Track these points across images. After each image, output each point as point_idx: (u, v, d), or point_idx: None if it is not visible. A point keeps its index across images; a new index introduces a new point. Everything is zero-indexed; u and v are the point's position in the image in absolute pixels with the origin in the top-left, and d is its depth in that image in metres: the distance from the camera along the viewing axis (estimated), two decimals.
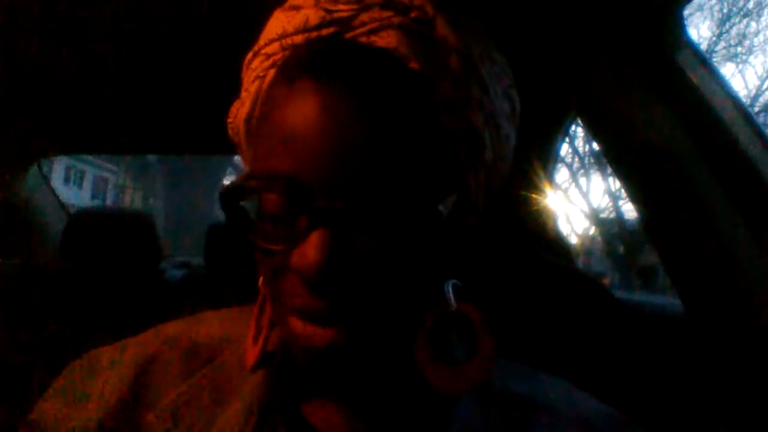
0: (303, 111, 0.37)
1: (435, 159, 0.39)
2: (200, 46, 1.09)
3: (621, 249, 12.17)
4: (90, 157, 15.76)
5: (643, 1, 0.84)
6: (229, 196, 0.40)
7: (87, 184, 19.18)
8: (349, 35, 0.39)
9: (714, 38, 12.97)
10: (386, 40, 0.38)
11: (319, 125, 0.36)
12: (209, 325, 0.51)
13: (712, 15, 13.09)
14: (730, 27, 13.12)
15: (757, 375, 0.77)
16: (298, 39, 0.40)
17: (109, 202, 18.95)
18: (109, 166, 18.34)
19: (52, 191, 2.04)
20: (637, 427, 0.47)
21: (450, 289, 0.43)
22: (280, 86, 0.39)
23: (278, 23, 0.42)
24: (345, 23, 0.39)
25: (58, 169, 16.07)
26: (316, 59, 0.38)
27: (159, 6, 0.95)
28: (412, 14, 0.39)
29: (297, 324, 0.38)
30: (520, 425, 0.45)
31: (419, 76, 0.38)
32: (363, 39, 0.39)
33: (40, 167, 1.93)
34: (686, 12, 0.86)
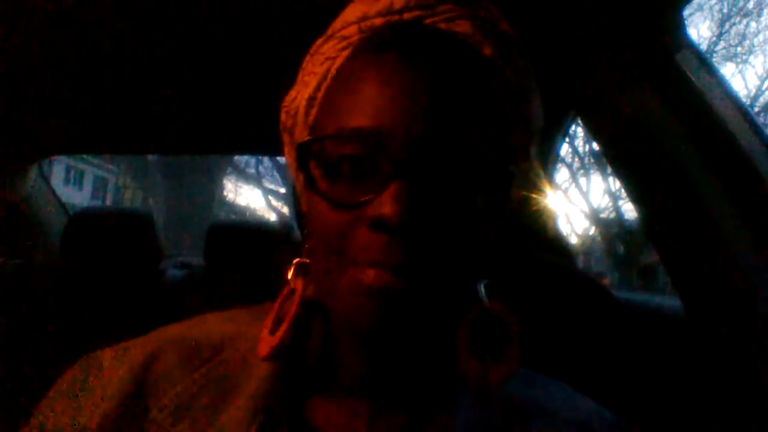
0: (387, 76, 0.41)
1: (498, 141, 0.44)
2: (200, 46, 1.09)
3: (621, 249, 12.16)
4: (90, 157, 15.74)
5: (644, 1, 0.84)
6: (306, 152, 0.43)
7: (87, 184, 19.17)
8: (429, 21, 0.44)
9: (714, 38, 12.97)
10: (463, 27, 0.44)
11: (404, 90, 0.40)
12: (210, 325, 0.51)
13: (712, 15, 13.08)
14: (730, 27, 13.10)
15: (757, 375, 0.77)
16: (378, 21, 0.45)
17: (109, 202, 18.93)
18: (109, 166, 18.30)
19: (52, 191, 2.04)
20: (636, 430, 0.47)
21: (482, 288, 0.46)
22: (363, 59, 0.43)
23: (357, 9, 0.46)
24: (427, 9, 0.44)
25: (58, 169, 16.06)
26: (406, 35, 0.43)
27: (159, 7, 0.95)
28: (482, 12, 0.45)
29: (367, 274, 0.39)
30: (519, 428, 0.45)
31: (489, 63, 0.44)
32: (442, 25, 0.44)
33: (40, 167, 1.93)
34: (686, 12, 0.87)
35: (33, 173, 1.90)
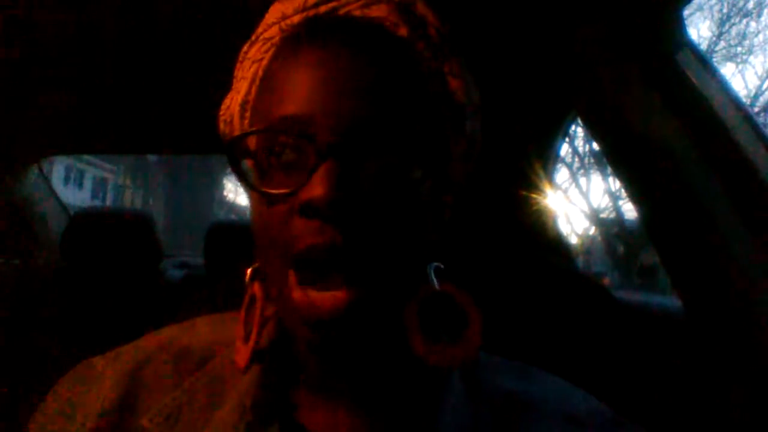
0: (306, 67, 0.41)
1: (423, 115, 0.43)
2: (199, 46, 1.09)
3: (621, 249, 12.17)
4: (90, 157, 15.74)
5: (644, 1, 0.84)
6: (236, 147, 0.43)
7: (87, 184, 19.15)
8: (344, 10, 0.44)
9: (714, 38, 12.96)
10: (377, 12, 0.44)
11: (323, 76, 0.40)
12: (200, 330, 0.51)
13: (712, 15, 13.06)
14: (730, 27, 13.09)
15: (757, 375, 0.77)
16: (297, 19, 0.45)
17: (109, 202, 18.92)
18: (109, 166, 18.32)
19: (52, 191, 2.04)
20: (630, 423, 0.47)
21: (432, 271, 0.45)
22: (284, 56, 0.43)
23: (277, 10, 0.47)
24: (341, 0, 0.44)
25: (58, 169, 16.04)
26: (317, 25, 0.44)
27: (159, 7, 0.95)
28: None
29: (310, 297, 0.38)
30: (510, 422, 0.45)
31: (406, 43, 0.44)
32: (357, 12, 0.44)
33: (40, 167, 1.93)
34: (686, 12, 0.87)
35: (33, 173, 1.90)
